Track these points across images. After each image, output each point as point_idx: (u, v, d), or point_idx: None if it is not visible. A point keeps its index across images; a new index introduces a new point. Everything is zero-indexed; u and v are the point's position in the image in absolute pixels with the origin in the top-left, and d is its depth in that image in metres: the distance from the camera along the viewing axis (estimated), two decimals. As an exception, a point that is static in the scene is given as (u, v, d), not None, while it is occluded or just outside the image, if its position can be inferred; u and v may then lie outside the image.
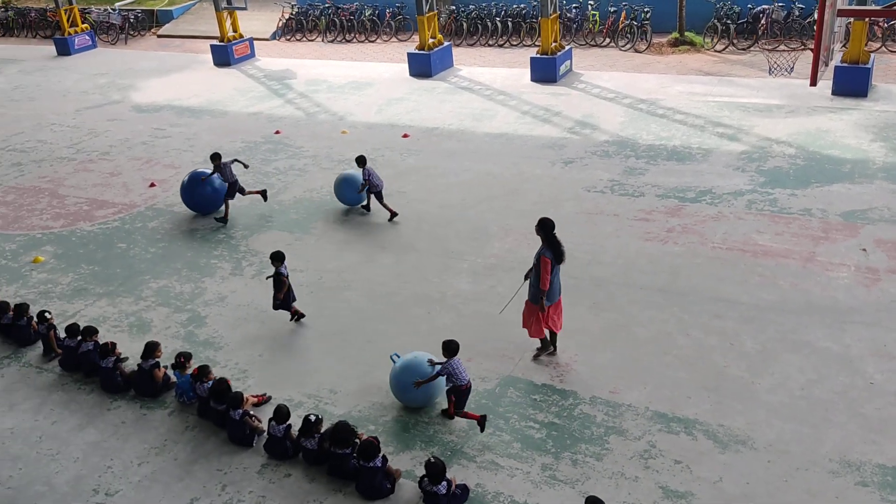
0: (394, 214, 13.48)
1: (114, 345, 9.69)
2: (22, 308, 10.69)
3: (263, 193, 14.19)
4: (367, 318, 10.70)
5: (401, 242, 12.87)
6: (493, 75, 22.09)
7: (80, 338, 9.99)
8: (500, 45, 25.20)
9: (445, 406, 8.80)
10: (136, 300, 11.65)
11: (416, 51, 22.56)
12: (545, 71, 20.81)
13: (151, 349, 9.40)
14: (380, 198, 13.48)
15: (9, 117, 21.59)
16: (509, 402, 8.95)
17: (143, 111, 21.34)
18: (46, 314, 10.43)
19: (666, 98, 18.69)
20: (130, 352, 10.15)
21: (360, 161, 13.35)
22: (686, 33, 23.07)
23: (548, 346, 9.63)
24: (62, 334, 10.46)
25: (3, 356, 10.49)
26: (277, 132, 18.72)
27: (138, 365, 9.45)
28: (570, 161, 15.53)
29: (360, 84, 22.33)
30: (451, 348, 8.43)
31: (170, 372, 9.50)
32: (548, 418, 8.66)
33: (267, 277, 10.79)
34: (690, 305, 10.42)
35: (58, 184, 16.52)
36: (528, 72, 21.49)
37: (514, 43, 25.18)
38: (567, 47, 21.58)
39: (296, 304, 10.74)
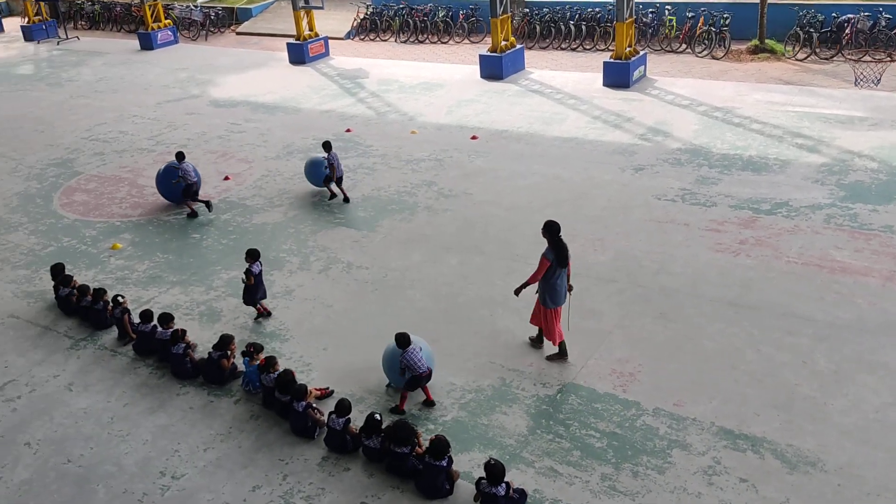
0: (346, 199, 14.48)
1: (184, 332, 9.98)
2: (99, 292, 11.10)
3: (208, 204, 14.46)
4: (429, 318, 10.75)
5: (466, 244, 12.88)
6: (564, 79, 21.92)
7: (153, 324, 10.33)
8: (573, 49, 25.00)
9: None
10: (208, 290, 11.96)
11: (488, 53, 22.56)
12: (618, 76, 20.55)
13: (226, 342, 9.63)
14: (339, 182, 14.45)
15: (93, 108, 22.46)
16: (570, 409, 8.87)
17: (220, 106, 21.91)
18: (119, 298, 10.80)
19: (743, 106, 18.25)
20: (200, 340, 10.45)
21: (326, 146, 14.21)
22: (766, 41, 22.45)
23: (565, 354, 9.58)
24: (136, 319, 10.82)
25: (80, 338, 10.93)
26: (348, 130, 18.96)
27: (208, 353, 9.70)
28: (640, 168, 15.30)
29: (431, 85, 22.45)
30: (402, 341, 8.72)
31: (238, 361, 9.73)
32: (609, 428, 8.55)
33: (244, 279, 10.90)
34: (762, 320, 10.14)
35: (137, 174, 17.10)
36: (600, 76, 21.26)
37: (588, 47, 24.95)
38: (642, 52, 21.27)
39: (264, 302, 10.99)
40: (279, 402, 8.92)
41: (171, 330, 9.98)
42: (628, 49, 20.72)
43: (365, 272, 12.03)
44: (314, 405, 8.75)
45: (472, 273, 11.86)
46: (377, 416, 8.21)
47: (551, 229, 9.28)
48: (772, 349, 9.60)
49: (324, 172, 14.43)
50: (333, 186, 14.65)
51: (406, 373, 8.76)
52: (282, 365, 9.57)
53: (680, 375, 9.26)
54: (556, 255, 9.22)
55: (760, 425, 8.41)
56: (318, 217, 14.30)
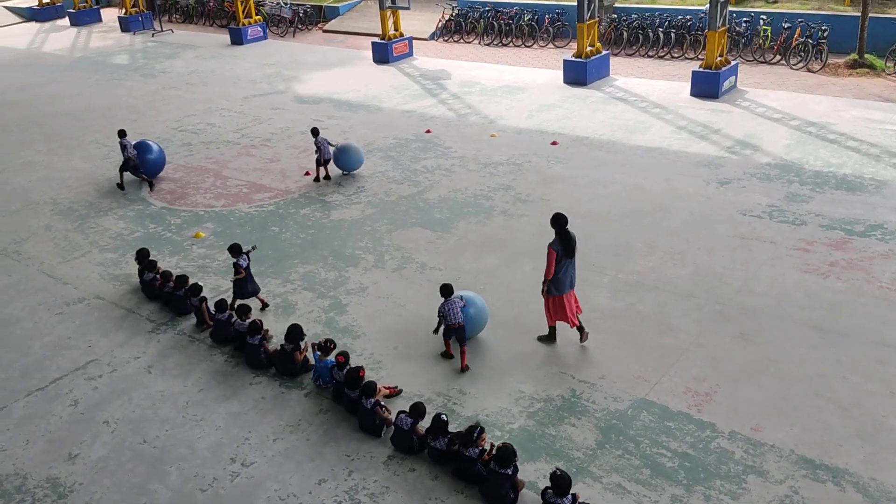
0: (327, 178, 16.01)
1: (261, 323, 10.22)
2: (182, 279, 11.47)
3: (150, 184, 16.12)
4: (500, 323, 10.72)
5: (541, 250, 12.68)
6: (650, 87, 21.55)
7: (229, 313, 10.61)
8: (661, 57, 24.55)
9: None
10: (284, 282, 12.22)
11: (573, 58, 22.36)
12: (707, 86, 20.08)
13: (296, 334, 9.81)
14: (325, 164, 15.94)
15: (183, 100, 23.26)
16: (641, 425, 8.70)
17: (304, 102, 22.37)
18: (198, 285, 11.13)
19: (839, 122, 17.57)
20: (275, 331, 10.68)
21: (314, 132, 15.93)
22: (866, 55, 21.55)
23: (554, 337, 10.18)
24: (213, 309, 11.15)
25: (161, 322, 11.32)
26: (428, 131, 19.09)
27: (281, 345, 9.91)
28: (726, 182, 14.92)
29: (513, 88, 22.40)
30: (445, 290, 9.91)
31: (309, 354, 9.91)
32: (681, 448, 8.36)
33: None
34: (850, 347, 9.74)
35: (222, 165, 17.61)
36: (688, 85, 20.81)
37: (676, 55, 24.45)
38: (733, 62, 20.73)
39: (260, 296, 11.36)
40: (348, 398, 9.04)
41: (249, 321, 10.21)
42: (719, 58, 20.22)
43: (438, 273, 12.08)
44: (382, 403, 8.83)
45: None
46: (444, 417, 8.23)
47: (559, 221, 9.75)
48: (859, 378, 9.20)
49: (352, 162, 16.02)
50: (321, 170, 16.15)
51: (441, 321, 9.93)
52: (352, 362, 9.69)
53: (759, 399, 8.98)
54: (563, 246, 9.67)
55: (843, 456, 8.07)
56: (395, 216, 14.44)
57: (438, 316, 9.96)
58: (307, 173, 16.70)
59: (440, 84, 23.40)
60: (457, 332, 9.89)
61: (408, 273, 12.26)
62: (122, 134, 16.23)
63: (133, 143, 16.40)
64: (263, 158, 17.91)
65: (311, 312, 11.32)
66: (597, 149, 17.20)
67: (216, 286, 12.09)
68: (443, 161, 16.99)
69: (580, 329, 10.08)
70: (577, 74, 22.13)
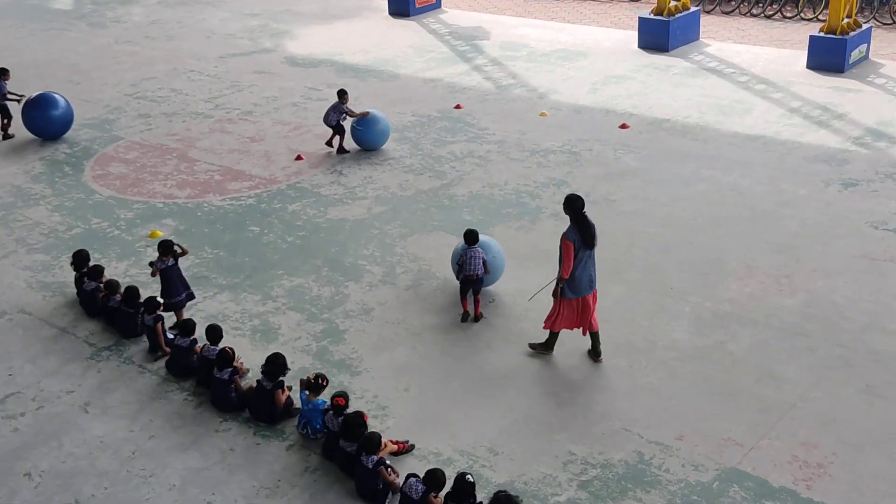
0: (343, 151, 16.84)
1: (232, 352, 10.26)
2: (131, 292, 11.55)
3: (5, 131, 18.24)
4: (547, 361, 10.69)
5: (603, 267, 12.68)
6: (753, 56, 21.44)
7: (192, 338, 10.68)
8: (768, 17, 24.47)
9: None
10: (264, 299, 12.29)
11: (651, 15, 22.34)
12: (830, 56, 19.96)
13: (278, 365, 9.84)
14: (342, 135, 16.85)
15: (142, 58, 23.55)
16: (731, 503, 8.61)
17: (297, 64, 22.53)
18: (155, 300, 11.21)
19: None
20: (251, 362, 10.72)
21: (341, 95, 16.72)
22: None
23: (551, 347, 10.67)
24: (172, 331, 11.22)
25: (103, 346, 11.41)
26: (458, 106, 19.13)
27: (257, 381, 9.94)
28: (852, 183, 14.80)
29: (571, 53, 22.40)
30: (469, 237, 11.31)
31: (294, 394, 9.92)
32: (783, 536, 8.25)
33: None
34: None
35: (189, 144, 17.79)
36: (803, 55, 20.70)
37: (788, 14, 24.36)
38: (865, 26, 20.56)
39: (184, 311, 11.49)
40: (344, 452, 9.04)
41: (218, 349, 10.25)
42: (846, 21, 20.06)
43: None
44: (388, 462, 8.82)
45: (608, 307, 11.69)
46: (469, 478, 8.18)
47: (573, 204, 10.15)
48: None
49: (372, 137, 16.74)
50: (335, 139, 16.94)
51: (461, 270, 11.29)
52: (351, 405, 9.70)
53: (890, 473, 8.85)
54: (581, 234, 10.05)
55: None
56: (411, 216, 14.46)
57: (457, 264, 11.51)
58: (298, 157, 16.80)
59: (475, 45, 23.48)
60: (474, 285, 11.46)
61: (426, 291, 12.26)
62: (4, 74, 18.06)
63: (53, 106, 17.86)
64: (243, 137, 18.05)
65: (299, 339, 11.35)
66: (679, 135, 17.11)
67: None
68: (476, 146, 16.99)
69: (594, 342, 10.63)
70: (657, 37, 22.11)
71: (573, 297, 10.27)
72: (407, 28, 25.29)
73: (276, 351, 10.25)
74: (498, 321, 11.53)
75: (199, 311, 11.96)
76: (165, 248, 11.48)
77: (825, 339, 10.91)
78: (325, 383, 9.64)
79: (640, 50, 22.31)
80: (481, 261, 11.30)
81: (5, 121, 18.28)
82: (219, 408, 10.11)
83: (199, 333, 10.81)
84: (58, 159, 17.30)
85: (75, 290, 12.37)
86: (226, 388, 10.05)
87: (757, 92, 19.23)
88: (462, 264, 11.30)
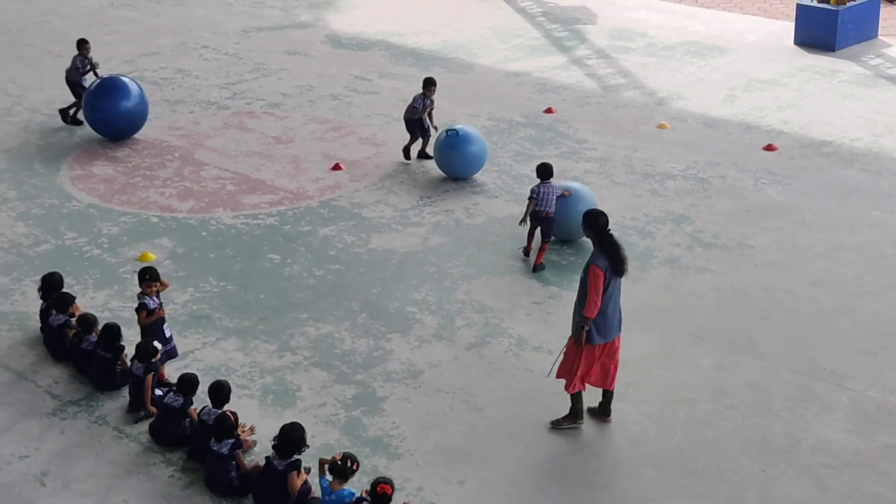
0: (426, 156, 17.24)
1: (235, 417, 10.29)
2: (111, 331, 11.67)
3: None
4: (650, 455, 10.58)
5: (732, 334, 12.61)
6: (948, 62, 21.18)
7: (187, 398, 10.71)
8: (971, 10, 24.15)
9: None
10: (282, 350, 12.34)
11: (814, 3, 22.16)
12: None
13: (294, 440, 9.83)
14: (425, 139, 17.24)
15: (143, 27, 23.99)
16: None
17: (341, 45, 22.74)
18: (151, 345, 11.33)
19: None
20: (260, 433, 10.75)
21: (428, 83, 16.96)
22: None
23: (580, 414, 10.93)
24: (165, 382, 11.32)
25: (69, 400, 11.52)
26: (549, 111, 19.14)
27: (267, 459, 9.95)
28: None
29: (704, 48, 22.31)
30: (543, 170, 13.92)
31: (315, 480, 9.90)
32: None
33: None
34: None
35: (196, 142, 18.03)
36: None
37: None
38: None
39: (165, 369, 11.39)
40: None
41: (217, 414, 10.29)
42: None
43: (546, 359, 11.97)
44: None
45: (738, 388, 11.57)
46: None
47: (596, 223, 10.62)
48: None
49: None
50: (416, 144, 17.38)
51: (529, 206, 13.79)
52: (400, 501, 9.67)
53: None
54: (610, 259, 10.39)
55: None
56: (479, 250, 14.45)
57: (529, 198, 13.87)
58: (337, 166, 16.93)
59: (576, 31, 23.52)
60: (543, 223, 13.81)
61: (493, 352, 12.24)
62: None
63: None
64: (266, 136, 18.26)
65: (324, 406, 11.37)
66: (845, 163, 16.95)
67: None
68: (571, 163, 16.97)
69: (608, 399, 11.03)
70: (820, 31, 21.96)
71: (602, 341, 10.58)
72: (488, 4, 25.43)
73: (292, 420, 10.25)
74: (586, 399, 11.42)
75: (197, 362, 12.06)
76: (152, 276, 11.59)
77: None
78: (355, 467, 9.60)
79: (797, 47, 22.14)
80: (555, 198, 13.73)
81: (74, 105, 18.73)
82: (214, 490, 10.12)
83: (200, 392, 10.85)
84: (27, 152, 17.61)
85: (39, 325, 12.53)
86: (225, 464, 10.06)
87: (952, 111, 18.98)
88: (535, 197, 13.78)
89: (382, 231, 15.01)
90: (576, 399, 10.87)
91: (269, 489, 9.87)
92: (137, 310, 11.59)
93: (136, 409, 11.20)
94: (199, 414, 10.55)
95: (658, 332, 12.66)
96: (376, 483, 9.29)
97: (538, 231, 14.05)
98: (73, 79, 18.42)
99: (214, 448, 10.10)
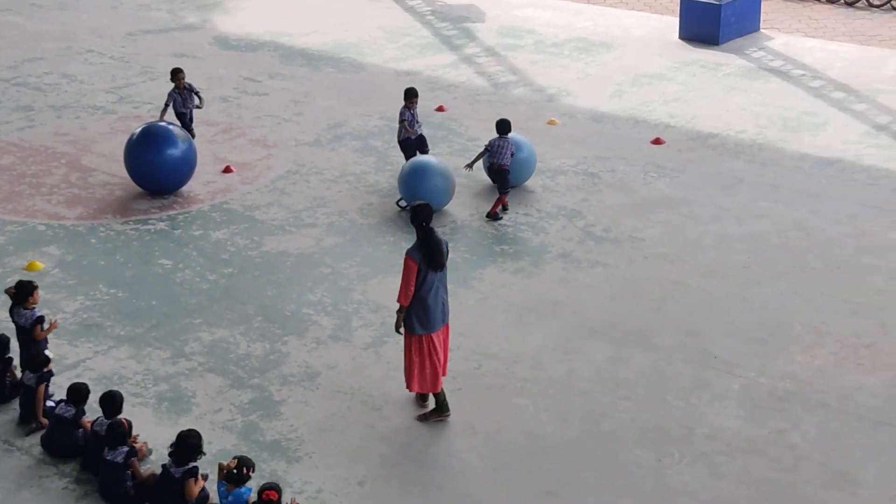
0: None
1: (129, 425, 10.18)
2: (0, 342, 11.48)
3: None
4: (547, 449, 10.67)
5: (626, 327, 12.77)
6: (829, 54, 21.66)
7: (81, 408, 10.57)
8: (849, 3, 24.72)
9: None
10: (175, 356, 12.22)
11: (698, -3, 22.56)
12: (928, 58, 20.20)
13: (190, 446, 9.76)
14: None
15: (26, 32, 23.56)
16: None
17: (230, 47, 22.57)
18: (43, 354, 11.12)
19: None
20: (155, 441, 10.65)
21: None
22: None
23: (445, 407, 11.06)
24: (55, 395, 11.10)
25: (-43, 414, 11.31)
26: (440, 109, 19.23)
27: (163, 467, 9.86)
28: (956, 226, 14.95)
29: (592, 44, 22.55)
30: (502, 125, 15.25)
31: (213, 486, 9.83)
32: None
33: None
34: None
35: (83, 148, 17.77)
36: (895, 55, 20.88)
37: (876, 2, 24.62)
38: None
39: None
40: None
41: (110, 422, 10.17)
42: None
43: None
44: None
45: (632, 381, 11.72)
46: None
47: (417, 215, 10.76)
48: None
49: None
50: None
51: (484, 154, 15.38)
52: (286, 500, 9.64)
53: None
54: (426, 252, 10.55)
55: None
56: (374, 250, 14.46)
57: (485, 148, 15.37)
58: (227, 169, 16.81)
59: (465, 29, 23.62)
60: (498, 175, 15.20)
61: (391, 352, 12.21)
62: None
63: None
64: (154, 139, 18.06)
65: (219, 412, 11.28)
66: (731, 156, 17.26)
67: (58, 357, 12.03)
68: (463, 161, 17.00)
69: (439, 399, 11.07)
70: (704, 25, 22.32)
71: (423, 332, 10.71)
72: (377, 3, 25.41)
73: (188, 427, 10.17)
74: (487, 395, 11.50)
75: (89, 371, 11.89)
76: (26, 291, 11.38)
77: None
78: (250, 472, 9.56)
79: (682, 42, 22.48)
80: (509, 153, 15.14)
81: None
82: (109, 500, 9.99)
83: (91, 401, 10.70)
84: None
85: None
86: (119, 474, 9.94)
87: (833, 102, 19.39)
88: (490, 149, 15.24)
89: (276, 233, 14.94)
90: (437, 396, 11.04)
91: (167, 497, 9.77)
92: (32, 325, 11.34)
93: (27, 421, 11.02)
94: (91, 425, 10.42)
95: (553, 327, 12.77)
96: (262, 489, 9.28)
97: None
98: (179, 110, 17.24)
99: (108, 457, 9.97)
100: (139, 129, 16.00)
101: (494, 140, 15.24)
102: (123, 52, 22.24)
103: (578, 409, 11.28)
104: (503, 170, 15.15)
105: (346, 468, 10.45)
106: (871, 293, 13.33)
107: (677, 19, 22.88)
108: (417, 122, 16.14)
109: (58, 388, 11.08)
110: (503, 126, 15.27)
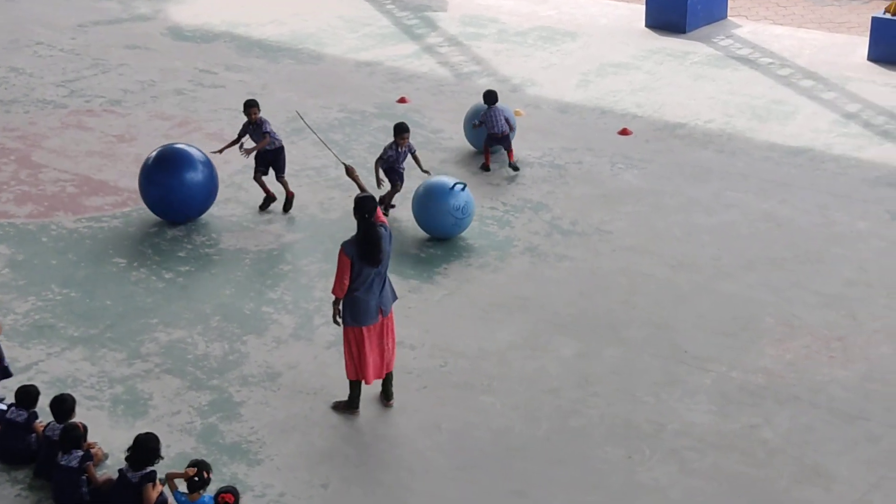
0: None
1: (84, 429, 10.10)
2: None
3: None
4: (517, 449, 10.68)
5: (594, 322, 12.79)
6: (797, 42, 21.76)
7: (33, 411, 10.50)
8: (818, -10, 24.85)
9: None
10: (131, 358, 12.14)
11: (664, -16, 22.61)
12: (898, 44, 20.35)
13: (148, 450, 9.70)
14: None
15: (-31, 24, 23.32)
16: None
17: (184, 38, 22.42)
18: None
19: None
20: (111, 445, 10.58)
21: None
22: None
23: (354, 403, 11.13)
24: (6, 398, 11.00)
25: None
26: (402, 100, 19.18)
27: (120, 472, 9.79)
28: (926, 215, 15.08)
29: (556, 33, 22.55)
30: (489, 97, 16.42)
31: (169, 491, 9.79)
32: None
33: None
34: None
35: (32, 143, 17.61)
36: (864, 43, 21.02)
37: (845, -12, 24.75)
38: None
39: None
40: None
41: (66, 425, 10.10)
42: (920, -2, 20.50)
43: (409, 355, 12.03)
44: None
45: (601, 376, 11.76)
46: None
47: (357, 207, 10.73)
48: None
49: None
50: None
51: (480, 126, 16.35)
52: (247, 506, 9.63)
53: None
54: (361, 247, 10.58)
55: None
56: (336, 246, 14.12)
57: (479, 122, 16.37)
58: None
59: (427, 18, 23.56)
60: (502, 142, 16.37)
61: (354, 351, 12.21)
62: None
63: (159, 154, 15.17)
64: (108, 135, 17.95)
65: (178, 414, 11.23)
66: (699, 146, 17.31)
67: (14, 359, 11.97)
68: (427, 153, 16.97)
69: (385, 388, 11.27)
70: (671, 13, 22.36)
71: (354, 325, 10.78)
72: (337, -7, 25.36)
73: (145, 430, 10.12)
74: (453, 393, 11.50)
75: (41, 374, 11.80)
76: None
77: (890, 424, 10.98)
78: (207, 476, 9.51)
79: (649, 30, 22.50)
80: (503, 119, 16.20)
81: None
82: (64, 506, 9.96)
83: (42, 404, 10.62)
84: None
85: None
86: (74, 479, 9.88)
87: (802, 90, 19.47)
88: (485, 122, 16.25)
89: (233, 230, 14.87)
90: (352, 386, 11.08)
91: (124, 501, 9.72)
92: None
93: (-23, 428, 10.94)
94: (44, 429, 10.34)
95: (520, 323, 12.77)
96: (219, 492, 9.26)
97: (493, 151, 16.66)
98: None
99: (63, 462, 9.90)
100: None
101: (485, 111, 16.31)
102: (74, 44, 22.04)
103: (547, 407, 11.31)
104: (505, 136, 16.35)
105: (309, 470, 10.43)
106: (842, 284, 13.42)
107: (643, 7, 22.88)
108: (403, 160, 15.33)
109: (8, 392, 10.96)
110: (490, 96, 16.41)
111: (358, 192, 11.05)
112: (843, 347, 12.21)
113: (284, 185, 15.34)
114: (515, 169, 16.32)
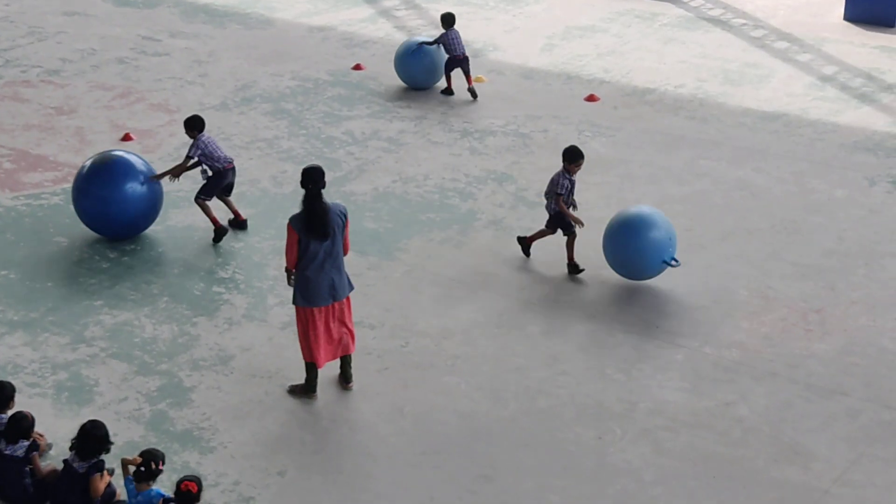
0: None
1: (32, 419, 10.06)
2: None
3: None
4: (483, 432, 10.73)
5: (562, 298, 12.84)
6: (772, 2, 21.85)
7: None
8: (792, -53, 24.94)
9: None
10: (75, 342, 12.10)
11: (632, -58, 22.66)
12: (877, 4, 20.42)
13: (95, 438, 9.68)
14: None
15: None
16: None
17: (125, 3, 22.24)
18: None
19: None
20: (55, 434, 10.55)
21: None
22: None
23: (311, 388, 11.15)
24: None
25: None
26: (358, 67, 19.14)
27: (65, 462, 9.78)
28: (906, 181, 15.22)
29: (520, -7, 22.57)
30: (446, 20, 17.62)
31: (119, 482, 9.78)
32: None
33: None
34: None
35: (-35, 117, 17.49)
36: (840, 3, 21.13)
37: (820, -56, 24.86)
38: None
39: None
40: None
41: (14, 415, 10.05)
42: (898, -45, 20.62)
43: (368, 335, 12.04)
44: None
45: (569, 354, 11.81)
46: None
47: (307, 178, 10.69)
48: None
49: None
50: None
51: (438, 47, 17.69)
52: (209, 497, 9.61)
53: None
54: (306, 220, 10.61)
55: None
56: (277, 233, 14.36)
57: (434, 42, 17.61)
58: (126, 137, 16.65)
59: (383, -20, 23.53)
60: (462, 64, 17.55)
61: (311, 332, 12.21)
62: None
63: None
64: (45, 107, 17.85)
65: (125, 400, 11.20)
66: (669, 112, 17.39)
67: (-55, 346, 11.96)
68: (384, 124, 17.01)
69: (344, 370, 11.32)
70: (639, -27, 22.40)
71: (305, 305, 10.81)
72: (285, -46, 25.25)
73: (91, 418, 10.09)
74: (415, 374, 11.52)
75: (-21, 360, 11.77)
76: None
77: (870, 398, 11.10)
78: (159, 466, 9.50)
79: (615, -9, 22.61)
80: (462, 39, 17.54)
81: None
82: (6, 499, 9.89)
83: (-21, 392, 10.58)
84: None
85: None
86: (18, 470, 9.85)
87: (777, 52, 19.57)
88: (444, 44, 17.49)
89: (181, 206, 14.78)
90: (308, 368, 11.09)
91: (70, 494, 9.68)
92: None
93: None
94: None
95: (484, 300, 12.80)
96: (181, 481, 9.23)
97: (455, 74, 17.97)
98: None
99: (7, 452, 9.85)
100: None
101: (443, 34, 17.62)
102: (7, 11, 21.85)
103: (513, 387, 11.34)
104: (466, 58, 17.71)
105: (266, 458, 10.43)
106: (820, 255, 13.53)
107: (609, -33, 22.97)
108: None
109: (-54, 381, 10.94)
110: (449, 18, 17.82)
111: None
112: (821, 320, 12.31)
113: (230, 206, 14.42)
114: (474, 94, 17.55)
